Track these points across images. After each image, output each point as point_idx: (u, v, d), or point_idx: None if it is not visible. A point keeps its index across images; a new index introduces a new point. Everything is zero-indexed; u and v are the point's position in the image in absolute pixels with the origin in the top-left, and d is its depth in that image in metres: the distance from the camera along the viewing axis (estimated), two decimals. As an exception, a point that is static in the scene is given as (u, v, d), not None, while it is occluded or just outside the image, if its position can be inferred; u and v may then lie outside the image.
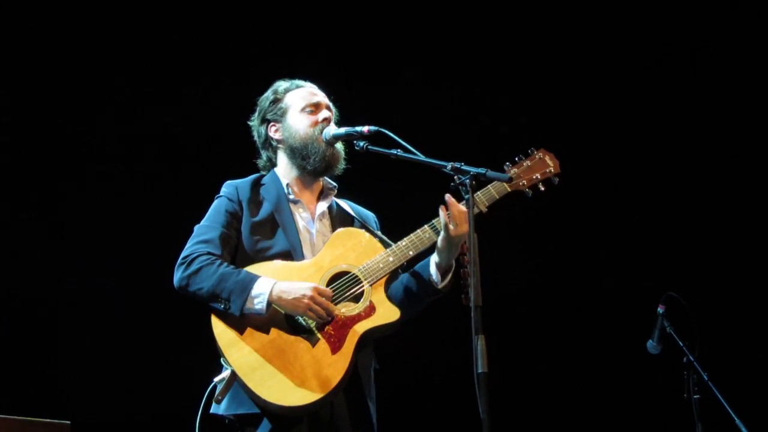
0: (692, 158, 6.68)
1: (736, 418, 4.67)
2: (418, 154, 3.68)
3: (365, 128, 3.84)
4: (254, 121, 4.12)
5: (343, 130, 3.94)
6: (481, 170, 3.49)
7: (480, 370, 3.13)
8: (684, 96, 6.72)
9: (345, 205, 4.11)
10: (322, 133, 3.95)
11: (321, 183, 4.06)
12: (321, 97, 4.07)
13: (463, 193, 3.46)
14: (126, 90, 6.05)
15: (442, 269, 3.85)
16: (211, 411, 3.72)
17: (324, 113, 4.01)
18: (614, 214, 6.67)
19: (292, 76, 4.17)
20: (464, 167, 3.50)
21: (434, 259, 3.86)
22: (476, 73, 6.64)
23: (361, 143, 3.85)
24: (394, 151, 3.72)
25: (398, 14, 6.55)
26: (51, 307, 5.79)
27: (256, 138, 4.13)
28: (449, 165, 3.53)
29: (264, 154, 4.11)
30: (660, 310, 4.97)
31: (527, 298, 6.54)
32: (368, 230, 3.97)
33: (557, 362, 6.53)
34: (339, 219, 4.02)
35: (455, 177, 3.63)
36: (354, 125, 3.90)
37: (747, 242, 6.60)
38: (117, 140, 6.04)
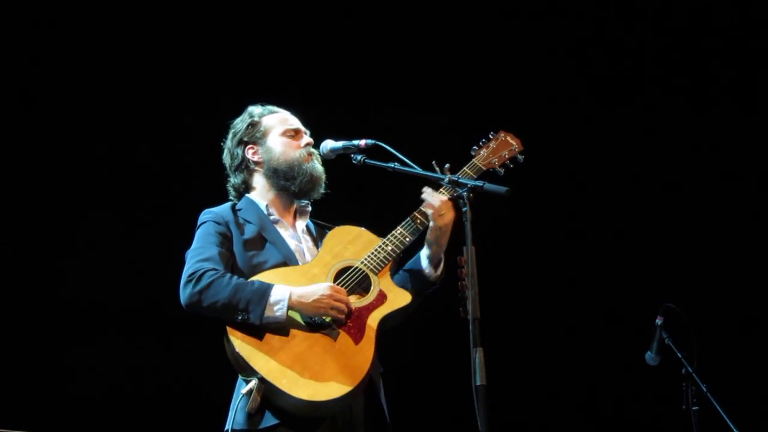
0: (690, 169, 6.69)
1: (735, 429, 4.67)
2: (415, 167, 3.71)
3: (362, 142, 3.87)
4: (228, 144, 4.10)
5: (340, 144, 3.95)
6: (479, 183, 3.50)
7: (478, 383, 3.13)
8: (685, 106, 6.74)
9: (319, 224, 4.15)
10: (309, 156, 3.98)
11: (295, 204, 4.07)
12: (298, 122, 4.10)
13: (461, 206, 3.48)
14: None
15: (433, 260, 3.88)
16: (226, 428, 3.61)
17: (306, 138, 4.04)
18: (612, 224, 6.68)
19: (267, 100, 4.17)
20: (462, 180, 3.55)
21: (425, 252, 3.90)
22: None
23: (359, 157, 3.87)
24: (391, 165, 3.75)
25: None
26: (51, 320, 5.79)
27: (228, 161, 4.09)
28: (446, 177, 3.60)
29: (238, 177, 4.07)
30: (658, 321, 4.98)
31: (525, 310, 6.53)
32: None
33: (556, 374, 6.52)
34: (319, 236, 4.05)
35: (453, 190, 3.68)
36: (351, 138, 3.92)
37: (745, 253, 6.60)
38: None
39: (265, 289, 3.65)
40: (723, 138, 6.67)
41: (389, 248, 3.84)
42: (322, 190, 4.03)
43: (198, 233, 3.89)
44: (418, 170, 3.70)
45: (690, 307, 4.98)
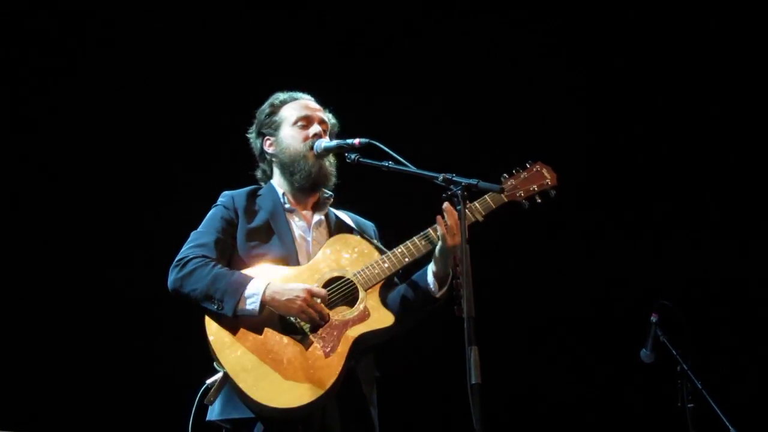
0: (684, 166, 6.69)
1: (729, 426, 4.68)
2: (410, 165, 3.68)
3: (356, 140, 3.85)
4: (252, 134, 4.15)
5: (334, 142, 3.95)
6: (473, 181, 3.48)
7: (473, 381, 3.12)
8: (680, 104, 6.74)
9: (344, 215, 4.12)
10: (312, 148, 3.97)
11: (317, 194, 4.07)
12: (315, 110, 4.08)
13: (455, 204, 3.47)
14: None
15: (439, 278, 3.85)
16: (207, 418, 3.72)
17: (315, 128, 4.01)
18: (607, 221, 6.68)
19: (291, 84, 4.18)
20: (456, 178, 3.49)
21: (431, 268, 3.86)
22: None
23: (353, 155, 3.85)
24: (385, 163, 3.73)
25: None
26: (38, 316, 5.78)
27: (253, 150, 4.15)
28: (441, 176, 3.52)
29: (260, 167, 4.14)
30: (653, 318, 4.98)
31: (521, 307, 6.53)
32: (364, 237, 3.98)
33: (551, 371, 6.52)
34: (337, 228, 4.03)
35: (447, 188, 3.65)
36: (345, 138, 3.92)
37: (740, 250, 6.60)
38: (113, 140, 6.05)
39: (242, 282, 3.66)
40: (717, 135, 6.68)
41: (386, 265, 3.83)
42: (331, 182, 4.02)
43: (207, 215, 3.95)
44: (412, 168, 3.67)
45: (684, 305, 4.97)
